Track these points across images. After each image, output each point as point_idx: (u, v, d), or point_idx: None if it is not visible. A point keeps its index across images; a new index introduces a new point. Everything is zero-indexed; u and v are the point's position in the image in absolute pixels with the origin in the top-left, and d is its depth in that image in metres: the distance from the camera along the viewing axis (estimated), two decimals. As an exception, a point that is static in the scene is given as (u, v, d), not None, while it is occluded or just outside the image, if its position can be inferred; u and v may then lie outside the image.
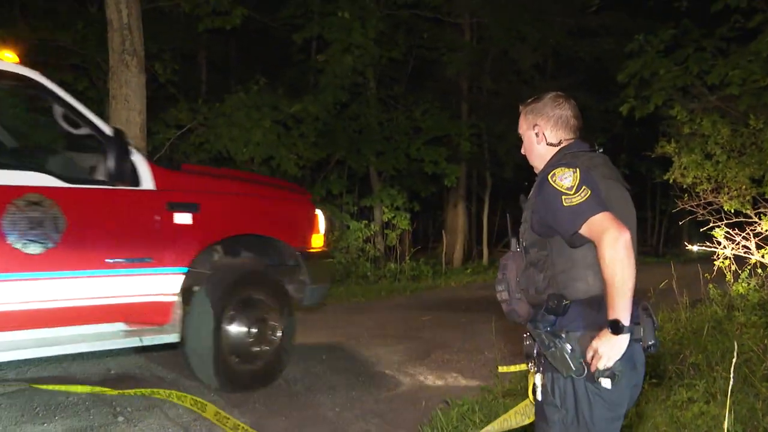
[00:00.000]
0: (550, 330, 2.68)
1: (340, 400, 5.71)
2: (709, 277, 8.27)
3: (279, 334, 5.96)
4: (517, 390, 5.46)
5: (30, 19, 13.45)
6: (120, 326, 5.30)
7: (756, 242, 8.19)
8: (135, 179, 5.16)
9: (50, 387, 5.55)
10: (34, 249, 4.70)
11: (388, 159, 14.97)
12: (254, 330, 5.80)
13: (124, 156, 4.98)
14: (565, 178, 2.66)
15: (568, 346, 2.64)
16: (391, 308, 10.38)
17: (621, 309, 2.54)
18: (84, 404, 5.27)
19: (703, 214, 8.38)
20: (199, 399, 5.15)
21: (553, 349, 2.66)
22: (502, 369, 5.32)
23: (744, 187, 7.89)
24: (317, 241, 6.45)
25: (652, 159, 8.88)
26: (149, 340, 5.35)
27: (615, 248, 2.54)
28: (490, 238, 19.61)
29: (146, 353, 6.58)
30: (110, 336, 5.22)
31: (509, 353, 7.17)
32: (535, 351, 2.83)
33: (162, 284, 5.34)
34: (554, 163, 2.84)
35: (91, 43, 12.63)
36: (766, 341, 6.37)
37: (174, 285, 5.40)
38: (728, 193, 7.97)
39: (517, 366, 5.28)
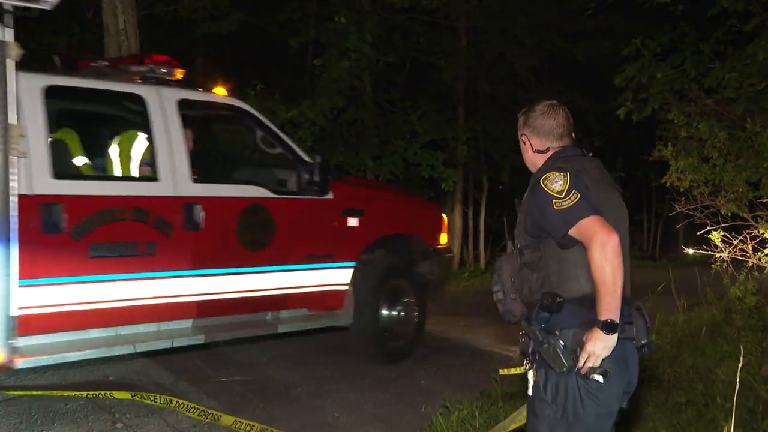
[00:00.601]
0: (544, 327, 2.78)
1: (340, 405, 5.71)
2: (706, 280, 8.28)
3: (417, 315, 7.11)
4: (518, 393, 5.45)
5: (25, 23, 13.42)
6: (304, 311, 6.51)
7: (753, 245, 8.21)
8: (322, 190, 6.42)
9: (51, 393, 5.54)
10: (255, 248, 5.95)
11: (386, 163, 14.95)
12: (402, 313, 6.99)
13: (323, 173, 6.28)
14: (556, 182, 2.77)
15: (561, 343, 2.73)
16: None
17: (613, 309, 2.66)
18: (82, 411, 5.26)
19: (699, 218, 8.39)
20: (210, 410, 5.11)
21: (546, 345, 2.76)
22: (503, 371, 5.30)
23: (741, 190, 7.90)
24: (443, 239, 7.63)
25: (649, 163, 8.88)
26: (326, 323, 6.62)
27: (604, 252, 2.65)
28: (487, 242, 19.61)
29: (144, 359, 6.58)
30: (298, 319, 6.44)
31: (508, 357, 7.17)
32: (530, 349, 2.90)
33: (339, 276, 6.61)
34: (546, 167, 2.93)
35: (89, 49, 12.61)
36: (764, 344, 6.39)
37: (347, 276, 6.65)
38: (725, 197, 7.98)
39: (517, 368, 5.27)
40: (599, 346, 2.66)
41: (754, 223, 8.08)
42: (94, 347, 5.13)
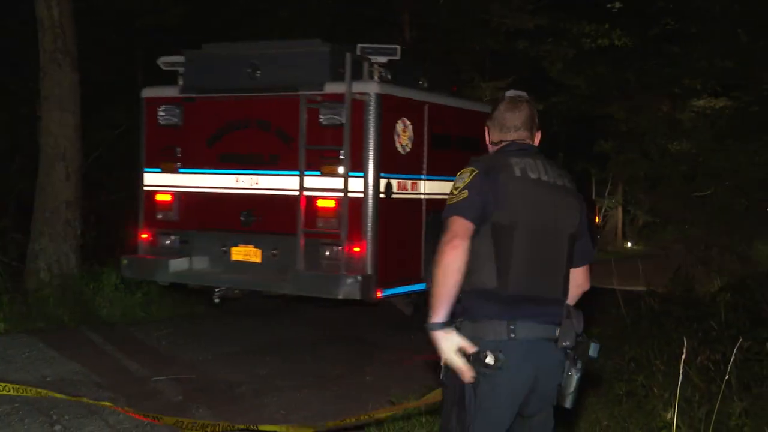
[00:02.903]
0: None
1: (286, 403, 5.66)
2: (646, 272, 8.46)
3: None
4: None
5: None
6: None
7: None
8: None
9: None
10: None
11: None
12: None
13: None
14: (461, 179, 2.83)
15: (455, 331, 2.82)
16: (331, 310, 10.30)
17: (434, 308, 2.79)
18: (17, 414, 5.08)
19: (638, 211, 8.57)
20: (150, 414, 4.99)
21: None
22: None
23: (677, 184, 8.09)
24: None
25: (590, 157, 9.06)
26: None
27: (441, 252, 2.71)
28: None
29: (83, 359, 6.43)
30: None
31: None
32: None
33: None
34: (470, 161, 2.94)
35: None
36: (699, 335, 6.55)
37: None
38: (663, 190, 8.17)
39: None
40: (437, 344, 2.83)
41: (688, 217, 8.28)
42: None
